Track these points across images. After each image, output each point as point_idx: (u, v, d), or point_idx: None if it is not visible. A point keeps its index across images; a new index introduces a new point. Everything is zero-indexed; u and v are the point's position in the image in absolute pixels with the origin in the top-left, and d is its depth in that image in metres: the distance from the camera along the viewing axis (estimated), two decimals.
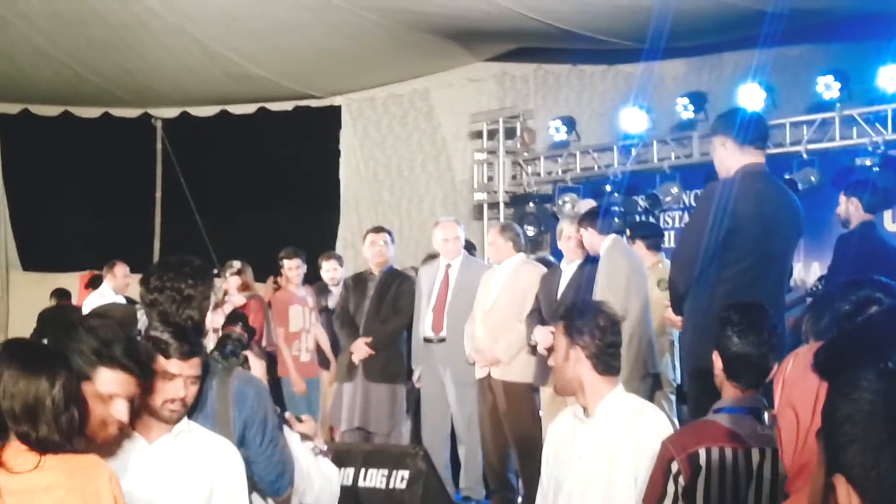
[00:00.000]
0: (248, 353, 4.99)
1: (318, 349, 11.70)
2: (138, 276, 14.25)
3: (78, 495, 3.58)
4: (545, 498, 4.94)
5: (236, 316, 5.02)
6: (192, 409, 4.35)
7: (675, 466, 4.07)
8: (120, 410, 3.92)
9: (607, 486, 4.63)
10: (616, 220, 9.31)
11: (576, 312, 4.92)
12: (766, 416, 3.76)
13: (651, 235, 10.32)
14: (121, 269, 13.37)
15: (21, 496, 3.56)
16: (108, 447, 4.07)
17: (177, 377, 4.13)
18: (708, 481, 4.01)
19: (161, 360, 4.14)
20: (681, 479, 4.07)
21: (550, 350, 8.91)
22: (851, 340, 1.41)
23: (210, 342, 4.77)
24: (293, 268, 11.58)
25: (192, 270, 4.66)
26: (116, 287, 13.11)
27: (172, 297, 4.57)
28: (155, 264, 4.79)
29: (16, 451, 3.58)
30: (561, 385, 4.95)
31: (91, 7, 13.57)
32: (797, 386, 2.51)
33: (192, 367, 4.17)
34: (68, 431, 3.66)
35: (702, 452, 4.04)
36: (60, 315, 9.39)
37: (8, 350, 3.74)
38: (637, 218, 12.57)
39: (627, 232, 9.75)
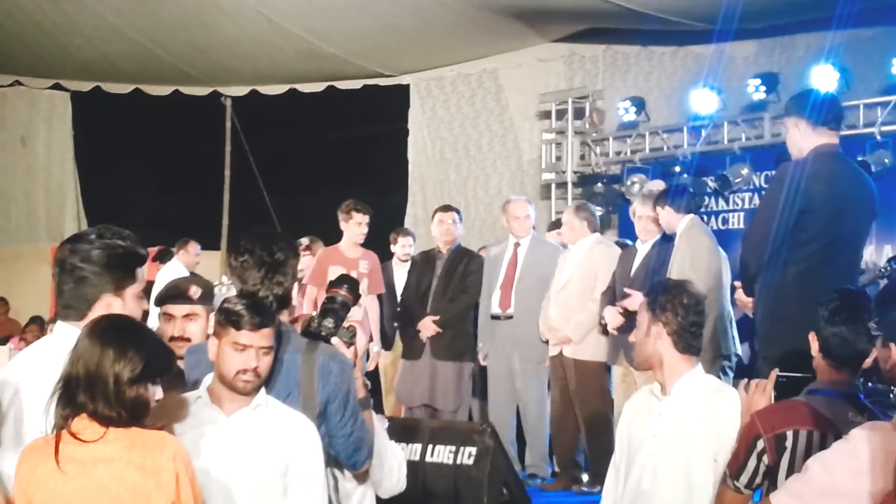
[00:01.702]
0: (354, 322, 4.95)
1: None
2: (206, 254, 14.44)
3: (137, 470, 3.64)
4: (617, 473, 4.96)
5: (343, 278, 4.92)
6: (278, 383, 4.39)
7: (760, 444, 4.07)
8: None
9: (684, 464, 4.64)
10: (691, 199, 9.30)
11: (660, 289, 4.91)
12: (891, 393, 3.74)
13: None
14: (193, 246, 13.56)
15: (84, 465, 3.65)
16: (187, 419, 4.16)
17: (248, 348, 4.17)
18: (792, 464, 4.00)
19: (232, 330, 4.19)
20: (765, 458, 4.07)
21: (619, 329, 9.00)
22: None
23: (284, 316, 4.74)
24: (361, 223, 10.58)
25: (280, 243, 4.64)
26: (188, 263, 13.28)
27: (258, 269, 4.55)
28: (244, 235, 4.68)
29: (85, 421, 3.67)
30: (640, 360, 4.95)
31: None
32: None
33: (263, 337, 4.19)
34: (133, 408, 3.71)
35: (789, 434, 4.02)
36: None
37: (96, 322, 3.81)
38: (706, 199, 12.52)
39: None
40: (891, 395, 3.88)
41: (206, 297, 5.31)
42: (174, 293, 5.29)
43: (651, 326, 4.75)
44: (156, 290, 6.07)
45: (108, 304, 4.08)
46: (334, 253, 10.59)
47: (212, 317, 4.48)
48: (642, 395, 5.03)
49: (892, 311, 3.34)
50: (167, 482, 3.65)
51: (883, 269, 10.06)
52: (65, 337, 3.99)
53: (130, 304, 4.15)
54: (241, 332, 4.18)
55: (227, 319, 4.21)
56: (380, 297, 10.85)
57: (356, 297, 4.84)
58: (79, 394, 3.66)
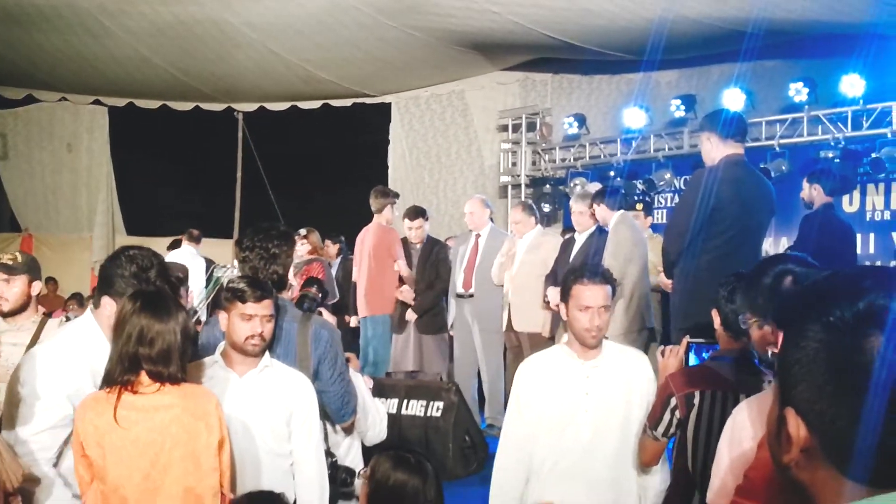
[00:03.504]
0: (322, 308, 5.14)
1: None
2: (220, 241, 14.40)
3: (190, 415, 3.77)
4: (526, 425, 4.74)
5: (312, 280, 5.14)
6: (279, 347, 4.47)
7: (673, 401, 4.12)
8: None
9: (623, 418, 4.60)
10: (622, 198, 9.35)
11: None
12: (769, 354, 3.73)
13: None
14: (196, 233, 13.53)
15: (145, 412, 3.74)
16: (209, 380, 4.21)
17: (253, 317, 4.24)
18: (699, 417, 4.05)
19: (239, 304, 4.25)
20: (677, 413, 4.12)
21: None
22: (802, 298, 1.45)
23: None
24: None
25: (278, 233, 4.77)
26: (196, 247, 13.29)
27: (261, 254, 4.69)
28: (248, 228, 4.85)
29: (144, 377, 3.76)
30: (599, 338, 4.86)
31: (187, 26, 13.77)
32: None
33: (264, 307, 4.26)
34: (184, 365, 3.84)
35: (697, 393, 4.08)
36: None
37: (140, 301, 3.84)
38: (636, 198, 12.56)
39: (639, 207, 9.74)
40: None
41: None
42: None
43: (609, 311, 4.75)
44: None
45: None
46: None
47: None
48: (543, 362, 4.84)
49: (757, 290, 3.38)
50: (213, 425, 3.80)
51: None
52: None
53: None
54: (246, 304, 4.24)
55: (234, 295, 4.28)
56: None
57: (324, 293, 5.13)
58: (139, 356, 3.74)
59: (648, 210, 10.01)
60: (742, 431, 3.02)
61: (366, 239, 10.40)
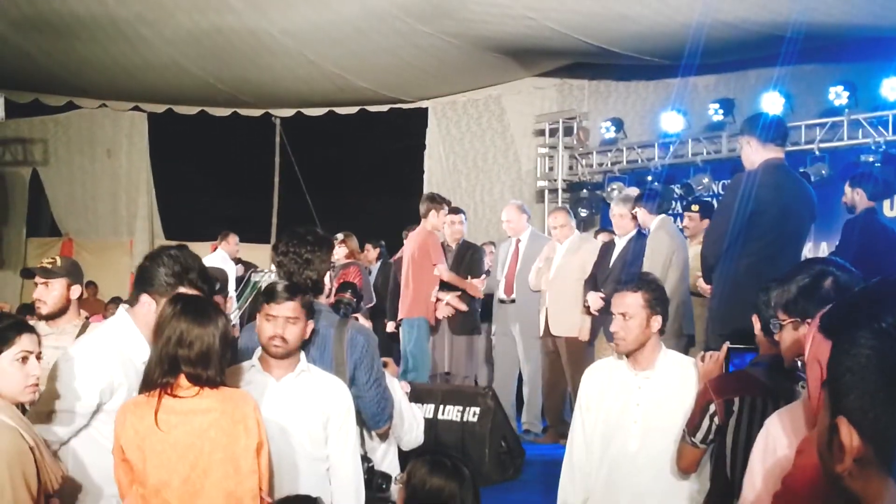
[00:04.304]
0: (358, 314, 5.13)
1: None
2: (258, 246, 14.49)
3: (229, 418, 3.78)
4: (587, 433, 4.85)
5: (346, 285, 5.12)
6: (315, 351, 4.47)
7: (712, 407, 4.08)
8: None
9: (670, 428, 4.56)
10: (661, 202, 9.29)
11: (656, 288, 4.80)
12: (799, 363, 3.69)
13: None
14: (233, 237, 13.55)
15: (185, 415, 3.76)
16: (246, 384, 4.23)
17: (276, 318, 4.25)
18: (738, 424, 4.00)
19: (265, 305, 4.30)
20: (716, 419, 4.08)
21: (599, 311, 8.97)
22: (851, 305, 1.42)
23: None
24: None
25: (314, 239, 4.76)
26: (230, 252, 13.29)
27: (295, 259, 4.68)
28: (284, 233, 4.87)
29: (183, 381, 3.77)
30: (633, 346, 4.72)
31: (224, 35, 13.89)
32: (823, 342, 2.50)
33: (286, 309, 4.26)
34: (223, 369, 3.87)
35: (736, 400, 4.03)
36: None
37: (181, 305, 3.86)
38: (673, 203, 12.47)
39: (695, 208, 9.59)
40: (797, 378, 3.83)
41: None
42: None
43: (651, 319, 4.69)
44: None
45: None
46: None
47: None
48: (604, 369, 4.90)
49: (794, 291, 3.32)
50: (252, 428, 3.80)
51: None
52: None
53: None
54: (270, 305, 4.28)
55: (263, 296, 4.36)
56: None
57: (359, 298, 5.11)
58: (178, 359, 3.76)
59: (706, 212, 9.77)
60: (776, 442, 2.97)
61: (410, 243, 10.44)
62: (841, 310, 1.44)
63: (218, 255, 13.10)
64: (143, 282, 4.25)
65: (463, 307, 10.22)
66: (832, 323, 1.44)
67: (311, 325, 4.35)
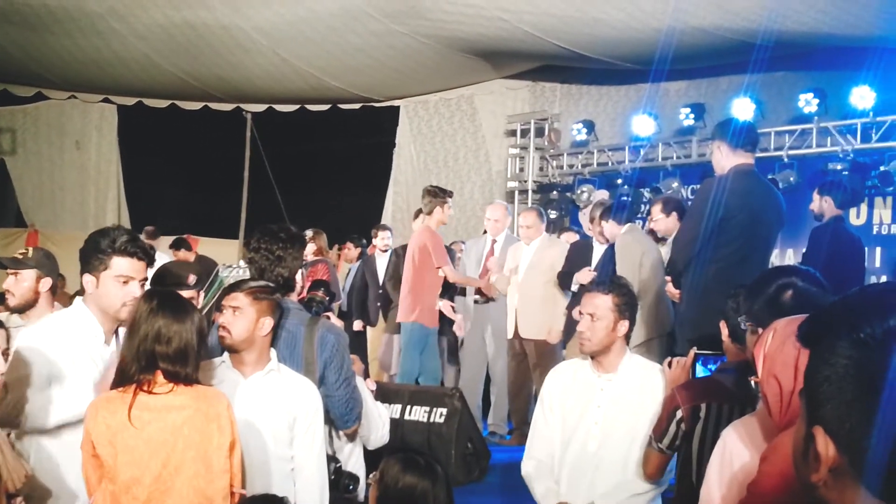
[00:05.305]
0: (329, 313, 5.12)
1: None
2: (226, 241, 14.39)
3: (203, 416, 3.77)
4: (549, 433, 4.87)
5: (320, 283, 5.13)
6: (285, 349, 4.46)
7: (679, 413, 4.10)
8: (133, 291, 4.15)
9: (631, 430, 4.63)
10: (630, 211, 9.26)
11: (626, 292, 4.82)
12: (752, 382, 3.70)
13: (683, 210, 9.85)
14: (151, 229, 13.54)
15: (158, 412, 3.74)
16: (214, 380, 4.22)
17: (226, 308, 4.27)
18: (704, 431, 4.02)
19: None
20: (682, 425, 4.09)
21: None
22: (830, 315, 1.42)
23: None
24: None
25: (287, 236, 4.77)
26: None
27: (266, 256, 4.69)
28: (257, 230, 4.89)
29: (159, 377, 3.76)
30: (598, 348, 4.75)
31: (197, 31, 13.83)
32: (777, 358, 2.50)
33: (232, 299, 4.28)
34: (198, 366, 3.86)
35: (703, 406, 4.04)
36: None
37: (157, 301, 3.85)
38: (642, 208, 12.50)
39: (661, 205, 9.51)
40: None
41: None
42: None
43: (618, 323, 4.70)
44: None
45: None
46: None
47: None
48: (569, 370, 4.95)
49: (758, 299, 3.31)
50: (225, 427, 3.79)
51: None
52: None
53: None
54: (225, 296, 4.35)
55: (226, 290, 4.44)
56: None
57: (332, 297, 5.21)
58: (155, 355, 3.74)
59: (670, 208, 9.74)
60: (733, 454, 2.98)
61: (411, 243, 10.08)
62: (819, 319, 1.43)
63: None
64: (82, 265, 4.29)
65: (456, 316, 10.07)
66: (812, 332, 1.43)
67: (267, 322, 4.30)
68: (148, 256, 4.29)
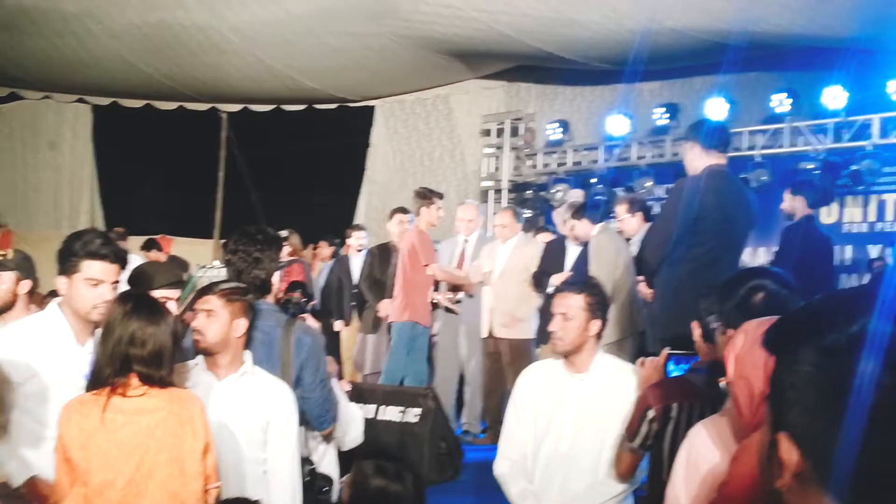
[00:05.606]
0: (306, 315, 5.11)
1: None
2: (200, 241, 14.35)
3: (176, 419, 3.75)
4: (523, 433, 4.87)
5: (297, 284, 5.14)
6: (261, 351, 4.44)
7: (651, 413, 4.11)
8: (104, 294, 4.13)
9: (603, 431, 4.63)
10: (604, 211, 9.28)
11: (598, 292, 4.82)
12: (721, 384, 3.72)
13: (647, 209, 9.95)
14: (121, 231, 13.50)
15: (132, 415, 3.72)
16: (188, 382, 4.20)
17: (199, 311, 4.26)
18: (676, 430, 4.02)
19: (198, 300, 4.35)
20: (654, 425, 4.10)
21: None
22: (794, 322, 1.43)
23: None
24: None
25: (264, 238, 4.76)
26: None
27: (244, 258, 4.68)
28: (236, 231, 4.89)
29: (134, 380, 3.75)
30: (570, 347, 4.74)
31: (173, 32, 13.79)
32: (747, 360, 2.51)
33: (203, 302, 4.27)
34: (173, 368, 3.86)
35: (675, 406, 4.05)
36: None
37: (132, 304, 3.84)
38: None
39: (626, 205, 9.52)
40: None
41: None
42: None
43: (590, 322, 4.71)
44: None
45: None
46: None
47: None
48: (541, 370, 4.95)
49: (730, 301, 3.32)
50: (199, 430, 3.78)
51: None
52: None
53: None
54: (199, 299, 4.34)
55: (199, 292, 4.42)
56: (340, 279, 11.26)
57: (309, 297, 5.14)
58: (130, 358, 3.73)
59: (635, 207, 9.78)
60: (699, 455, 2.98)
61: (401, 244, 10.14)
62: (785, 326, 1.44)
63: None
64: (58, 267, 4.27)
65: (456, 308, 10.06)
66: (777, 339, 1.43)
67: (241, 323, 4.28)
68: (120, 259, 4.26)
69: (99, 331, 3.97)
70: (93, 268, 4.18)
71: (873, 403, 1.26)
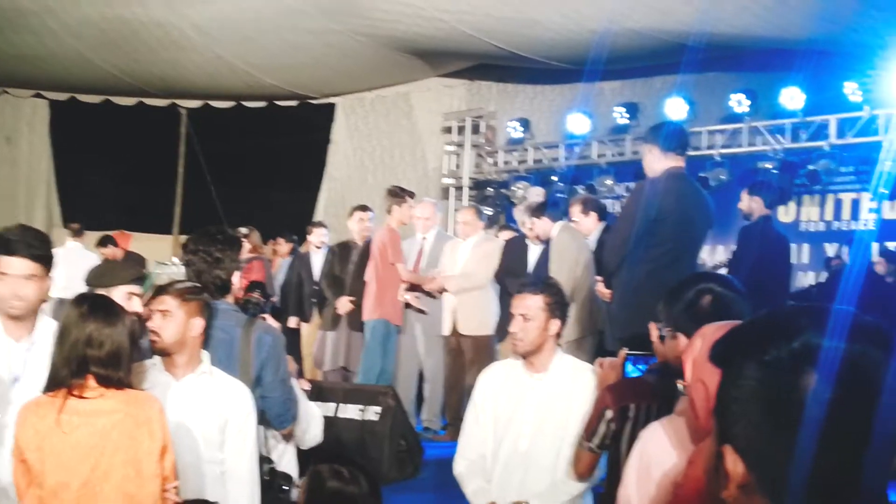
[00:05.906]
0: (265, 315, 5.11)
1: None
2: (160, 237, 14.26)
3: (133, 420, 3.73)
4: (482, 432, 4.91)
5: (256, 284, 5.14)
6: (221, 351, 4.43)
7: (609, 413, 4.14)
8: (15, 288, 4.07)
9: (562, 429, 4.67)
10: (563, 209, 9.33)
11: (557, 293, 4.85)
12: (679, 386, 3.76)
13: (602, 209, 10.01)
14: (77, 227, 13.38)
15: (88, 416, 3.70)
16: (145, 382, 4.19)
17: (154, 312, 4.23)
18: (634, 430, 4.05)
19: (151, 300, 4.33)
20: (612, 425, 4.13)
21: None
22: (739, 336, 1.46)
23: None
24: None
25: (224, 238, 4.75)
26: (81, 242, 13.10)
27: (204, 258, 4.66)
28: (196, 231, 4.87)
29: (90, 381, 3.72)
30: (530, 348, 4.78)
31: (132, 28, 13.70)
32: (705, 364, 2.54)
33: (158, 302, 4.25)
34: (131, 369, 3.84)
35: (632, 406, 4.09)
36: None
37: (88, 305, 3.81)
38: None
39: (580, 206, 9.56)
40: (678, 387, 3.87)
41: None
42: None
43: (549, 322, 4.75)
44: None
45: None
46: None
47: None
48: (501, 370, 4.98)
49: (677, 304, 3.36)
50: (156, 431, 3.75)
51: (717, 266, 10.20)
52: None
53: None
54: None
55: (155, 291, 4.40)
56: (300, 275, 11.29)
57: (267, 297, 5.30)
58: (87, 360, 3.70)
59: (588, 207, 9.84)
60: (651, 457, 3.02)
61: (373, 243, 10.17)
62: (730, 340, 1.47)
63: (71, 249, 12.78)
64: None
65: (423, 308, 10.08)
66: (722, 353, 1.47)
67: (198, 322, 4.27)
68: (31, 254, 4.16)
69: (54, 331, 3.94)
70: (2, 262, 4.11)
71: (815, 418, 1.30)
